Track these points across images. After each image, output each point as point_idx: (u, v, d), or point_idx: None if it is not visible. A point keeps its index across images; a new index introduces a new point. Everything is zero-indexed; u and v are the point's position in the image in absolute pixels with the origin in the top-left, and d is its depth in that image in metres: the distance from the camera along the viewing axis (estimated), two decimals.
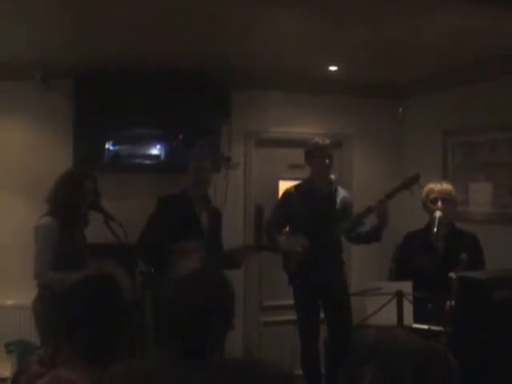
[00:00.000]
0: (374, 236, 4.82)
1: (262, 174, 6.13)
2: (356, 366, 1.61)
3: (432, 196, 4.33)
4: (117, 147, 5.43)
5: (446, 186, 4.38)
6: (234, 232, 5.14)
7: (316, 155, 4.84)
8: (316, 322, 4.93)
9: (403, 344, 1.65)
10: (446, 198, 4.31)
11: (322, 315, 4.98)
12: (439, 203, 4.27)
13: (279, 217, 4.96)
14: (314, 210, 4.82)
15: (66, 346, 2.18)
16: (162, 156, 5.54)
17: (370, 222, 4.77)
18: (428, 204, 4.36)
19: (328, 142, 4.90)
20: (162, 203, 4.77)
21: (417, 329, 3.67)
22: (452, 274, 3.63)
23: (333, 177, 5.04)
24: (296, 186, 5.06)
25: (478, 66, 5.08)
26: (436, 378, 1.56)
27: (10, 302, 5.18)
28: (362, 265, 6.00)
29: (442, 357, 1.62)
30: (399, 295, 3.71)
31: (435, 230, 4.14)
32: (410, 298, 3.74)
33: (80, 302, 2.24)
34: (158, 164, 5.54)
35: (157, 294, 4.65)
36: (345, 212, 4.94)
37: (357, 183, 6.22)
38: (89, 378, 2.05)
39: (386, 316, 3.66)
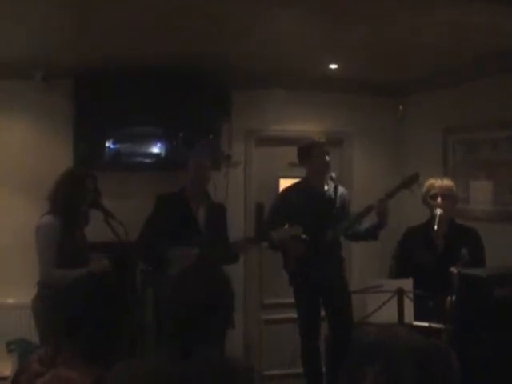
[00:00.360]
0: (371, 234, 4.83)
1: (263, 172, 6.14)
2: (358, 366, 1.61)
3: (432, 192, 4.34)
4: (117, 146, 5.42)
5: (447, 182, 4.39)
6: (235, 230, 5.13)
7: (315, 153, 4.83)
8: (316, 321, 4.93)
9: (404, 342, 1.65)
10: (446, 194, 4.32)
11: (322, 313, 4.99)
12: (439, 199, 4.28)
13: (277, 216, 4.95)
14: (313, 208, 4.82)
15: (65, 346, 2.19)
16: (163, 154, 5.54)
17: (370, 220, 4.78)
18: (428, 199, 4.36)
19: (324, 139, 4.91)
20: (159, 202, 4.79)
21: (417, 326, 3.68)
22: (453, 269, 3.63)
23: (333, 174, 5.04)
24: (294, 185, 5.06)
25: (478, 64, 5.07)
26: (437, 376, 1.56)
27: (10, 301, 5.18)
28: (362, 262, 6.00)
29: (443, 355, 1.62)
30: (400, 293, 3.72)
31: (436, 227, 4.14)
32: (411, 295, 3.75)
33: (80, 300, 2.24)
34: (158, 162, 5.53)
35: (156, 292, 4.66)
36: (343, 209, 4.95)
37: (357, 181, 6.22)
38: (89, 377, 2.05)
39: (387, 314, 3.66)
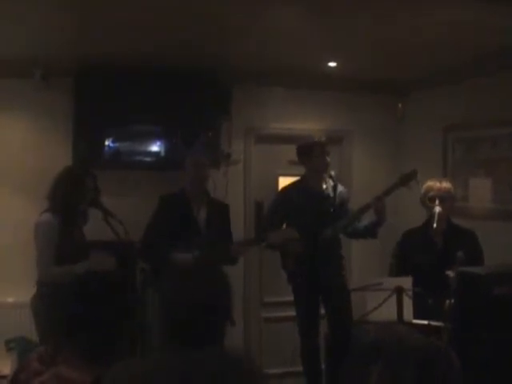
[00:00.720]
0: (370, 232, 4.82)
1: (262, 170, 6.13)
2: (361, 366, 1.60)
3: (431, 194, 4.35)
4: (117, 144, 5.42)
5: (445, 185, 4.40)
6: (234, 229, 5.12)
7: (316, 153, 4.83)
8: (316, 320, 4.93)
9: (404, 341, 1.64)
10: (444, 197, 4.33)
11: (322, 311, 4.99)
12: (437, 202, 4.29)
13: (276, 215, 4.94)
14: (312, 207, 4.82)
15: (65, 346, 2.18)
16: (162, 153, 5.53)
17: (369, 218, 4.78)
18: (426, 202, 4.38)
19: (325, 138, 4.91)
20: (162, 202, 4.77)
21: (416, 324, 3.69)
22: (450, 273, 3.64)
23: (333, 173, 5.04)
24: (293, 184, 5.06)
25: (478, 62, 5.07)
26: (437, 376, 1.56)
27: (10, 300, 5.18)
28: (362, 261, 6.00)
29: (444, 354, 1.61)
30: (399, 291, 3.72)
31: (435, 225, 4.15)
32: (410, 293, 3.75)
33: (80, 300, 2.24)
34: (158, 161, 5.53)
35: (157, 292, 4.65)
36: (342, 207, 4.94)
37: (357, 180, 6.22)
38: (89, 377, 2.05)
39: (387, 312, 3.67)
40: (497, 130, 5.15)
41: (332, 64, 5.45)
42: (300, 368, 5.08)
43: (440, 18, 3.89)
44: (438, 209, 4.23)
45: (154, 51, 4.87)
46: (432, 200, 4.33)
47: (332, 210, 4.88)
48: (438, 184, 4.38)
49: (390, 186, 4.59)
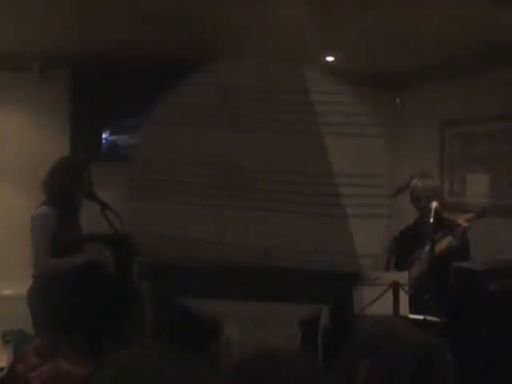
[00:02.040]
0: None
1: None
2: (357, 361, 1.59)
3: (415, 193, 4.36)
4: (114, 137, 5.41)
5: (430, 184, 4.39)
6: None
7: None
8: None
9: (403, 337, 1.63)
10: (429, 196, 4.32)
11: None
12: (423, 202, 4.29)
13: None
14: None
15: (63, 343, 2.17)
16: None
17: None
18: (414, 201, 4.39)
19: None
20: None
21: (412, 319, 3.69)
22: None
23: None
24: None
25: (477, 58, 5.07)
26: (435, 374, 1.56)
27: (6, 292, 5.18)
28: None
29: (441, 351, 1.61)
30: (395, 286, 3.73)
31: (431, 220, 4.15)
32: (406, 288, 3.76)
33: (78, 296, 2.23)
34: None
35: (153, 286, 4.64)
36: None
37: None
38: (88, 370, 2.03)
39: (383, 306, 3.67)
40: (494, 126, 5.15)
41: (330, 58, 5.44)
42: None
43: (439, 14, 3.88)
44: (434, 204, 4.22)
45: (153, 49, 4.86)
46: (417, 200, 4.34)
47: None
48: (420, 184, 4.38)
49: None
